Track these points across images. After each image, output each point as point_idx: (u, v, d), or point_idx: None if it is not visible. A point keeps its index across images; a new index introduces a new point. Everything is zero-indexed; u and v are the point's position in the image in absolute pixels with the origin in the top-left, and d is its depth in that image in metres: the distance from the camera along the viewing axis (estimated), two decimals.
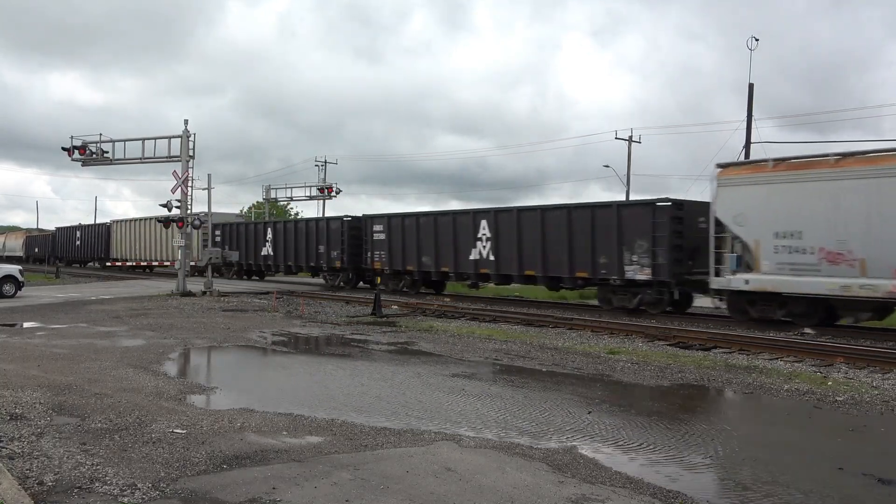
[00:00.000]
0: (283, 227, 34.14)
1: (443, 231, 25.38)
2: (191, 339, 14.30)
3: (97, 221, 64.23)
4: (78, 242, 54.78)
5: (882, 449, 6.89)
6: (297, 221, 34.25)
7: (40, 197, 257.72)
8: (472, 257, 24.13)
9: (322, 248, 30.88)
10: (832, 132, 79.44)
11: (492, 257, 23.48)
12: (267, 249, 34.37)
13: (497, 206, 25.53)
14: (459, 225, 24.83)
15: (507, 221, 23.05)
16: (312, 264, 31.93)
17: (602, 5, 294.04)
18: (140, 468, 5.73)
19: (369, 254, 28.53)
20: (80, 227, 57.22)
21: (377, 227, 28.31)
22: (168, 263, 41.17)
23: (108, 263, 49.33)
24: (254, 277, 37.52)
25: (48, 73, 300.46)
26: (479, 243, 23.91)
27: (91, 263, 53.96)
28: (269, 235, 34.22)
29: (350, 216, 30.19)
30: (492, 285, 25.80)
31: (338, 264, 30.26)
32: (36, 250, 65.82)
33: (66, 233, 58.69)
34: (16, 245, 72.42)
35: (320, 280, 33.82)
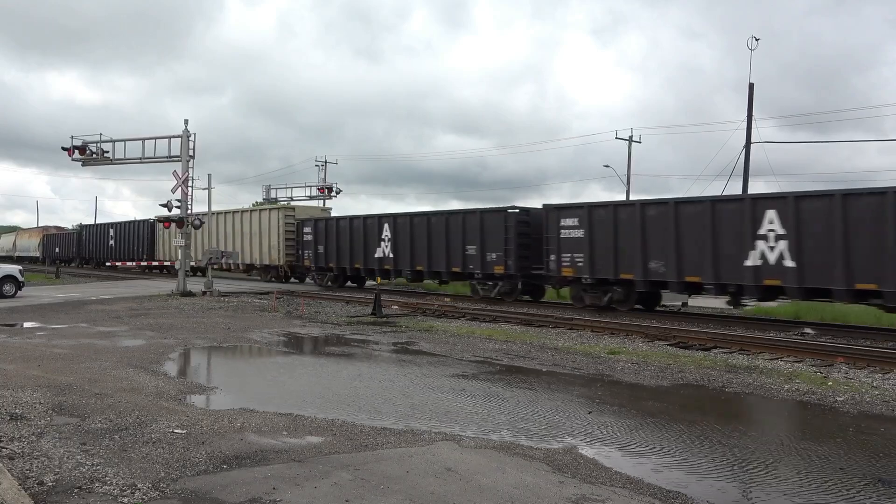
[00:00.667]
0: (409, 222, 26.90)
1: (688, 226, 18.49)
2: (191, 339, 14.30)
3: (98, 220, 59.59)
4: (112, 242, 48.69)
5: (882, 449, 6.89)
6: (432, 215, 26.38)
7: (39, 197, 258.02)
8: (748, 262, 17.34)
9: (473, 250, 24.12)
10: (833, 132, 79.61)
11: (789, 262, 16.64)
12: (383, 250, 27.68)
13: (795, 191, 17.10)
14: (722, 217, 17.85)
15: (818, 212, 16.16)
16: (457, 269, 24.91)
17: (603, 3, 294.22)
18: (140, 468, 5.73)
19: (553, 257, 21.72)
20: (114, 224, 50.95)
21: (568, 222, 21.48)
22: (249, 263, 35.22)
23: (148, 264, 43.89)
24: (348, 284, 31.28)
25: (46, 71, 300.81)
26: (760, 243, 17.12)
27: (128, 265, 47.00)
28: (387, 233, 27.53)
29: (517, 207, 23.40)
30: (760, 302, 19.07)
31: (498, 270, 23.40)
32: (57, 250, 59.08)
33: (96, 231, 52.86)
34: (30, 244, 66.02)
35: (452, 288, 28.29)
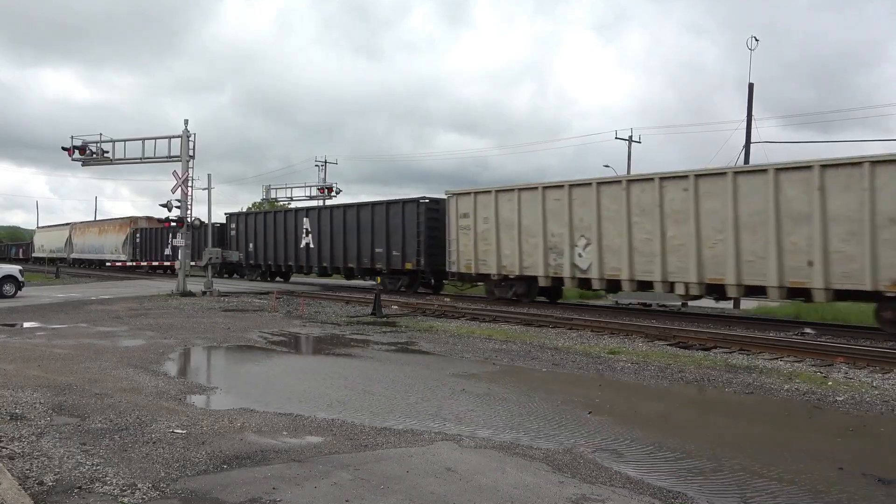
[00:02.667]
0: None
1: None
2: (191, 339, 14.30)
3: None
4: (308, 240, 30.21)
5: (882, 449, 6.89)
6: None
7: (38, 196, 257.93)
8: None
9: None
10: (836, 131, 79.66)
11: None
12: None
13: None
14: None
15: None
16: None
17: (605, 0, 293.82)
18: (140, 468, 5.73)
19: None
20: (312, 209, 31.03)
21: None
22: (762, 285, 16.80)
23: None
24: None
25: (43, 70, 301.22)
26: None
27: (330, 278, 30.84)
28: None
29: None
30: None
31: None
32: (167, 252, 42.61)
33: (267, 222, 32.60)
34: (105, 243, 49.22)
35: None
